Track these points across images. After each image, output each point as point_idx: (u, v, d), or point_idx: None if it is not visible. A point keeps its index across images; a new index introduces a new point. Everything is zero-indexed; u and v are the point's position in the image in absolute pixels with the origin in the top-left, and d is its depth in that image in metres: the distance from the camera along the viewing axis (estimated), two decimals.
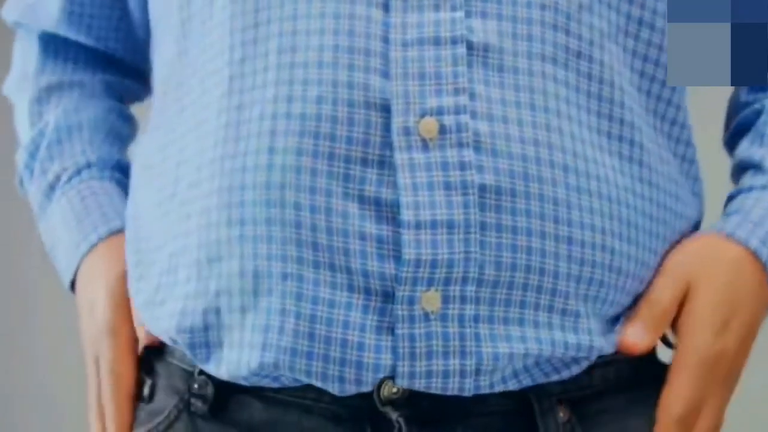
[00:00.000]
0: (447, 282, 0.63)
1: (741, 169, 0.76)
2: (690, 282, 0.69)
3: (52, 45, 0.90)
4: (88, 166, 0.84)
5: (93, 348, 0.78)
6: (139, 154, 0.79)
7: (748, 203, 0.72)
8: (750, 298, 0.70)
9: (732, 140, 0.80)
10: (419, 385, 0.64)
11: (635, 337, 0.68)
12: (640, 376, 0.71)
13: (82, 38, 0.88)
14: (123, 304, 0.77)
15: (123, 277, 0.77)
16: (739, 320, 0.69)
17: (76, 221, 0.81)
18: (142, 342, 0.76)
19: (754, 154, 0.75)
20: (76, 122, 0.86)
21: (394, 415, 0.65)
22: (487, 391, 0.65)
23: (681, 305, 0.69)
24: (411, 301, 0.63)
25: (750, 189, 0.74)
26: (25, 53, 0.91)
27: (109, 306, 0.77)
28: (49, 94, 0.88)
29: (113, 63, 0.91)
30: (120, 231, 0.80)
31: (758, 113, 0.78)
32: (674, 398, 0.68)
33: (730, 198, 0.75)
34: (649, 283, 0.70)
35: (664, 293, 0.69)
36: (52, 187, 0.84)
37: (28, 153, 0.86)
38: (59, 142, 0.85)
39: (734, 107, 0.81)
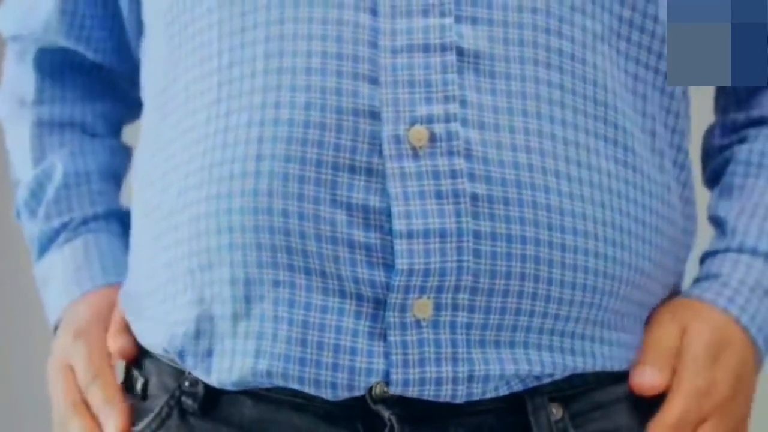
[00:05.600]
0: (439, 290, 0.63)
1: (712, 222, 0.78)
2: (684, 330, 0.71)
3: (48, 70, 0.88)
4: (95, 218, 0.85)
5: (64, 354, 0.79)
6: (136, 163, 0.79)
7: (714, 267, 0.74)
8: (734, 342, 0.72)
9: (708, 184, 0.82)
10: (412, 392, 0.64)
11: (650, 378, 0.70)
12: None
13: (81, 48, 0.86)
14: (103, 321, 0.79)
15: (107, 315, 0.79)
16: (727, 357, 0.71)
17: (75, 269, 0.83)
18: (116, 356, 0.78)
19: (719, 211, 0.77)
20: (84, 169, 0.86)
21: (386, 414, 0.65)
22: (478, 398, 0.65)
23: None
24: (403, 309, 0.63)
25: (715, 252, 0.76)
26: (20, 77, 0.89)
27: (89, 314, 0.79)
28: (51, 130, 0.88)
29: (109, 84, 0.90)
30: (114, 285, 0.81)
31: (727, 161, 0.78)
32: (668, 411, 0.69)
33: (703, 259, 0.77)
34: (646, 290, 0.70)
35: (665, 335, 0.71)
36: (57, 232, 0.85)
37: (30, 191, 0.86)
38: (67, 188, 0.85)
39: (708, 151, 0.82)
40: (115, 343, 0.77)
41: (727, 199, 0.76)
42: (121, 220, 0.86)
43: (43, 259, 0.86)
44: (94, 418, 0.75)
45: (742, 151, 0.78)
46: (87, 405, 0.76)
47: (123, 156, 0.90)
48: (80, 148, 0.87)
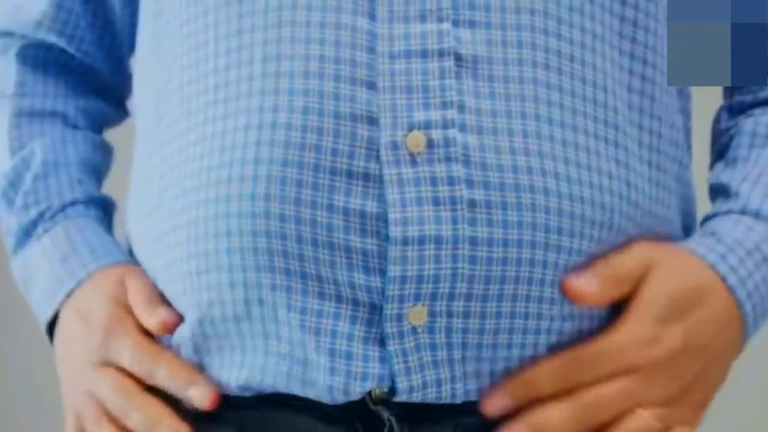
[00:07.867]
0: (433, 297, 0.63)
1: (714, 192, 0.75)
2: (651, 266, 0.67)
3: (30, 64, 0.86)
4: (73, 204, 0.81)
5: (97, 353, 0.73)
6: (134, 164, 0.78)
7: (710, 227, 0.71)
8: (712, 302, 0.67)
9: (713, 164, 0.80)
10: (417, 397, 0.64)
11: (585, 284, 0.65)
12: None
13: (72, 48, 0.85)
14: (124, 306, 0.73)
15: (124, 298, 0.73)
16: (693, 315, 0.67)
17: (61, 260, 0.78)
18: (158, 332, 0.71)
19: (722, 178, 0.74)
20: (63, 158, 0.83)
21: (385, 414, 0.65)
22: (476, 397, 0.65)
23: (636, 287, 0.67)
24: (399, 318, 0.63)
25: (716, 214, 0.72)
26: (1, 70, 0.87)
27: (108, 305, 0.73)
28: (31, 120, 0.84)
29: (93, 85, 0.89)
30: (110, 267, 0.77)
31: (732, 138, 0.77)
32: (585, 345, 0.65)
33: (704, 221, 0.74)
34: None
35: (624, 259, 0.67)
36: (34, 223, 0.81)
37: (8, 181, 0.83)
38: (46, 177, 0.82)
39: (716, 134, 0.80)
40: (155, 317, 0.70)
41: (731, 169, 0.74)
42: (101, 205, 0.83)
43: (20, 254, 0.82)
44: (160, 402, 0.70)
45: (747, 124, 0.76)
46: (148, 392, 0.70)
47: (104, 152, 0.87)
48: (61, 138, 0.84)
